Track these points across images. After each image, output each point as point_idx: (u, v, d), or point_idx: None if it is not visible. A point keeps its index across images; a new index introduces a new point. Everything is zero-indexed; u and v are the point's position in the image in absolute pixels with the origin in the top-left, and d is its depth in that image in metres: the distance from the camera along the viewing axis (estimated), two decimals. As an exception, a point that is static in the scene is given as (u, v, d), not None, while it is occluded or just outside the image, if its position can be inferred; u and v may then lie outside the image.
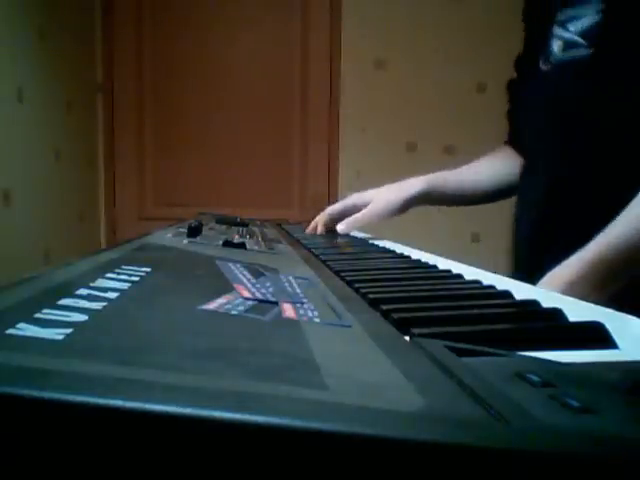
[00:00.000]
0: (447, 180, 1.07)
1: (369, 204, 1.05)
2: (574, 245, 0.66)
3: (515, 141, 1.04)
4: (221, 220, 1.06)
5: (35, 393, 0.16)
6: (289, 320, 0.32)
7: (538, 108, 0.87)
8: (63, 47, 2.51)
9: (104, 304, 0.29)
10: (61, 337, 0.23)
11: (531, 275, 0.65)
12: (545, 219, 0.85)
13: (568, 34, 0.81)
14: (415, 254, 0.77)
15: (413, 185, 1.04)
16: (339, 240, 1.01)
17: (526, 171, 0.94)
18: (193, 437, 0.16)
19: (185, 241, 0.67)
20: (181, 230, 0.76)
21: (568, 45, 0.81)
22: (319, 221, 1.10)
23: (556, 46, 0.83)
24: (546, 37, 0.86)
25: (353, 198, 1.10)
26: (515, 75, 1.02)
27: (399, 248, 0.87)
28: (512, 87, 1.03)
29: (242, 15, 2.84)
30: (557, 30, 0.83)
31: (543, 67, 0.86)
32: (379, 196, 1.06)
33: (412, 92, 2.79)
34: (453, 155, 2.73)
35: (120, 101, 2.89)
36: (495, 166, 1.07)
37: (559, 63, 0.83)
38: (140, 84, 2.88)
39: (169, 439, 0.16)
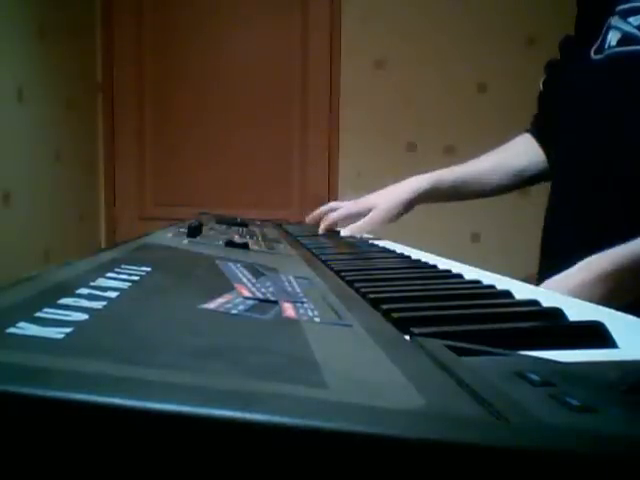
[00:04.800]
0: (455, 175, 1.05)
1: (372, 210, 1.07)
2: None
3: (541, 126, 1.01)
4: (221, 220, 1.06)
5: (36, 392, 0.16)
6: (289, 319, 0.32)
7: (586, 98, 0.84)
8: (63, 47, 2.51)
9: (104, 303, 0.29)
10: (61, 336, 0.23)
11: None
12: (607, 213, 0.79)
13: (628, 27, 0.78)
14: (415, 254, 0.77)
15: (414, 185, 1.04)
16: (339, 240, 1.01)
17: (567, 160, 0.89)
18: (193, 436, 0.16)
19: (185, 241, 0.67)
20: (181, 230, 0.76)
21: (626, 38, 0.78)
22: (322, 222, 1.12)
23: (613, 38, 0.80)
24: (602, 26, 0.83)
25: (357, 205, 1.11)
26: (557, 57, 0.98)
27: (399, 248, 0.87)
28: (552, 69, 1.00)
29: (242, 15, 2.84)
30: (616, 21, 0.80)
31: (594, 57, 0.84)
32: (380, 200, 1.07)
33: (412, 92, 2.79)
34: (453, 155, 2.73)
35: (120, 101, 2.89)
36: (515, 156, 1.04)
37: (614, 55, 0.80)
38: (140, 84, 2.88)
39: (169, 438, 0.16)
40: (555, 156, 0.95)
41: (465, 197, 1.09)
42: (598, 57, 0.83)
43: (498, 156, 1.06)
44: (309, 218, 1.17)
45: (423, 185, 1.04)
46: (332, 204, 1.17)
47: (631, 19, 0.78)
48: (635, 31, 0.77)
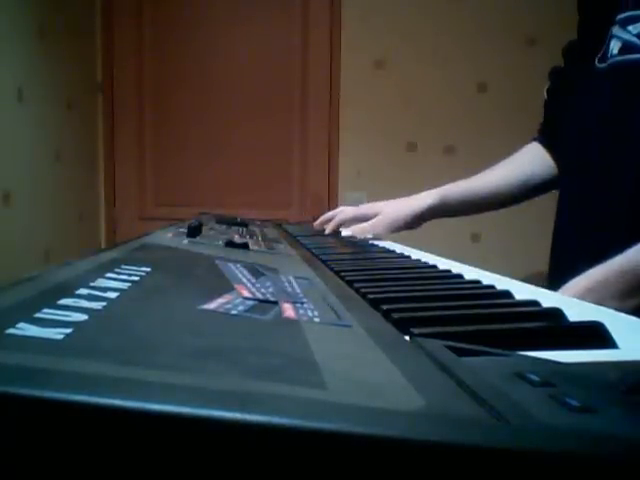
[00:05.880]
0: (463, 189, 1.06)
1: (378, 215, 1.07)
2: None
3: (548, 133, 1.01)
4: (221, 220, 1.06)
5: (35, 392, 0.16)
6: (289, 320, 0.32)
7: (591, 106, 0.85)
8: (63, 47, 2.51)
9: (104, 304, 0.29)
10: (61, 337, 0.23)
11: None
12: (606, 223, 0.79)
13: (627, 35, 0.79)
14: (415, 254, 0.77)
15: (423, 200, 1.05)
16: (339, 240, 1.01)
17: (573, 166, 0.89)
18: (193, 436, 0.16)
19: (185, 241, 0.67)
20: (181, 230, 0.76)
21: (626, 47, 0.80)
22: (328, 226, 1.13)
23: (615, 46, 0.82)
24: (605, 34, 0.84)
25: (364, 208, 1.13)
26: (561, 64, 0.99)
27: (399, 248, 0.87)
28: (556, 76, 1.01)
29: (242, 15, 2.84)
30: (617, 30, 0.82)
31: (599, 65, 0.85)
32: (388, 209, 1.08)
33: (412, 92, 2.79)
34: (453, 155, 2.73)
35: (120, 101, 2.89)
36: (522, 166, 1.04)
37: (616, 64, 0.81)
38: (140, 84, 2.88)
39: (169, 438, 0.16)
40: (562, 162, 0.95)
41: (473, 211, 1.10)
42: (602, 66, 0.84)
43: (504, 168, 1.06)
44: (317, 223, 1.18)
45: (432, 200, 1.04)
46: (339, 209, 1.18)
47: (630, 27, 0.79)
48: (634, 39, 0.78)
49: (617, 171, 0.79)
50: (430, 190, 1.06)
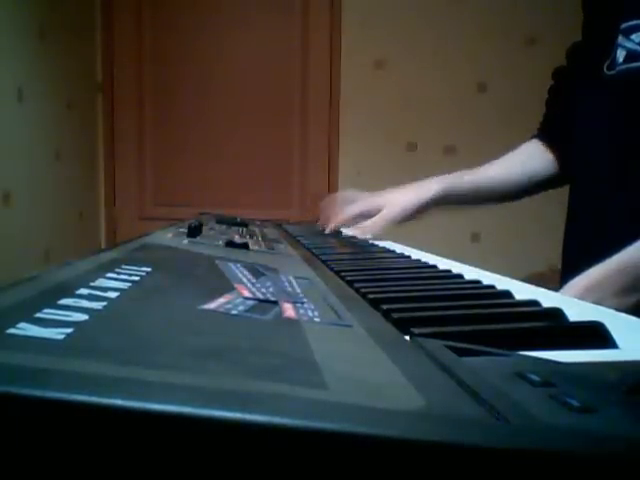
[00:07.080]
0: (467, 180, 1.04)
1: (383, 208, 1.05)
2: None
3: (550, 131, 1.01)
4: (221, 220, 1.06)
5: (36, 392, 0.16)
6: (289, 320, 0.32)
7: (601, 111, 0.86)
8: (63, 47, 2.51)
9: (104, 304, 0.29)
10: (62, 337, 0.23)
11: None
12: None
13: (630, 44, 0.81)
14: (415, 254, 0.77)
15: (429, 189, 1.03)
16: (339, 240, 1.01)
17: (585, 168, 0.90)
18: (193, 436, 0.16)
19: (185, 241, 0.67)
20: (181, 230, 0.76)
21: (630, 55, 0.81)
22: (332, 224, 1.11)
23: (620, 55, 0.83)
24: (612, 42, 0.85)
25: (367, 202, 1.10)
26: (563, 64, 0.99)
27: (399, 248, 0.87)
28: (560, 76, 1.01)
29: (242, 16, 2.84)
30: (621, 39, 0.83)
31: (608, 72, 0.86)
32: (393, 201, 1.05)
33: (412, 92, 2.79)
34: (453, 155, 2.73)
35: (120, 101, 2.89)
36: (524, 161, 1.03)
37: (624, 71, 0.82)
38: (140, 84, 2.88)
39: (169, 438, 0.16)
40: (569, 164, 0.95)
41: (475, 203, 1.08)
42: (611, 73, 0.85)
43: (507, 164, 1.05)
44: (322, 220, 1.16)
45: (439, 187, 1.02)
46: (347, 194, 1.15)
47: (633, 36, 0.80)
48: (637, 48, 0.79)
49: (628, 176, 0.80)
50: (431, 180, 1.04)
